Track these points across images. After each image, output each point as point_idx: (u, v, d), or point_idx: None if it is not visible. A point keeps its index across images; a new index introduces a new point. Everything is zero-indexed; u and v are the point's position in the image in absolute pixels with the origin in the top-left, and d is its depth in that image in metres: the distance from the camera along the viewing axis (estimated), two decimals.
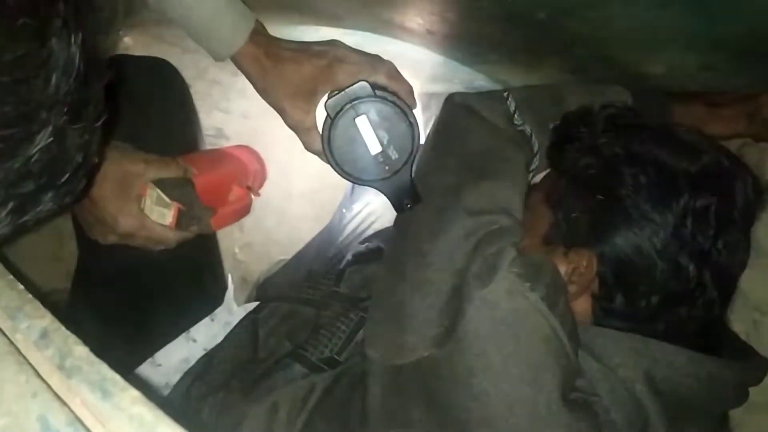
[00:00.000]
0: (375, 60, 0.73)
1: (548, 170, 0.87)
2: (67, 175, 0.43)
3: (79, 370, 0.31)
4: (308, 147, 0.76)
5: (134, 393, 0.30)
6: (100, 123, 0.47)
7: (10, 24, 0.36)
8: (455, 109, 0.89)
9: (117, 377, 0.31)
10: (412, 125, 0.70)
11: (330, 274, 1.01)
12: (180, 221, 0.82)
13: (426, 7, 0.85)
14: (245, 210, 0.94)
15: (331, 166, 0.71)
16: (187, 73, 1.46)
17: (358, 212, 1.32)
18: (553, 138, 0.83)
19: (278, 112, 0.74)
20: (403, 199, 0.74)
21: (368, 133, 0.69)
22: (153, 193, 0.80)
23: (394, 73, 0.73)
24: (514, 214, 0.75)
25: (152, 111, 0.94)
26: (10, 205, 0.40)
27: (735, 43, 0.71)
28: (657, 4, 0.64)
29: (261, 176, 1.00)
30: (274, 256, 1.63)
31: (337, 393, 0.80)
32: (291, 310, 0.97)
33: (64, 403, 0.30)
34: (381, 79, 0.72)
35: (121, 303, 0.94)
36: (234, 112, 1.56)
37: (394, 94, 0.71)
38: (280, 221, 1.66)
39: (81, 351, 0.32)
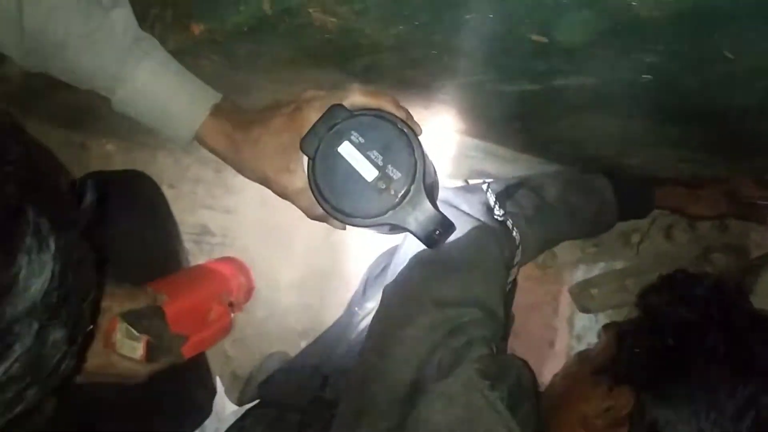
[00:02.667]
0: (345, 86, 0.62)
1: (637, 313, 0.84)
2: (53, 367, 0.41)
3: None
4: (310, 214, 0.64)
5: None
6: (87, 301, 0.44)
7: None
8: None
9: None
10: (406, 134, 0.58)
11: (315, 378, 0.99)
12: (151, 353, 0.79)
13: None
14: (226, 329, 0.90)
15: (333, 216, 0.59)
16: (170, 174, 1.47)
17: (371, 311, 1.30)
18: (658, 283, 0.82)
19: (264, 184, 0.64)
20: (429, 226, 0.59)
21: (357, 159, 0.58)
22: (122, 327, 0.77)
23: (368, 90, 0.60)
24: (489, 307, 0.74)
25: (127, 233, 0.93)
26: None
27: (709, 143, 0.72)
28: (625, 115, 0.65)
29: (246, 289, 0.97)
30: (265, 350, 1.60)
31: None
32: (277, 416, 0.94)
33: None
34: (356, 99, 0.59)
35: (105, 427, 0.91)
36: (218, 209, 1.56)
37: (375, 109, 0.59)
38: (270, 314, 1.63)
39: None
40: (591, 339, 1.19)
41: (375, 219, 0.59)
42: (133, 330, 0.78)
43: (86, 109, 1.16)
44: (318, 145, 0.58)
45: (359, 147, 0.58)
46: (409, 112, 0.60)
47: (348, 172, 0.58)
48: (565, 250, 1.17)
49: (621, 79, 0.55)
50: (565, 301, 1.22)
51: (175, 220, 1.05)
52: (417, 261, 0.79)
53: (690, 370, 0.68)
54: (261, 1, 0.50)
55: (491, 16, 0.45)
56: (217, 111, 0.63)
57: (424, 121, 0.76)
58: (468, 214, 0.85)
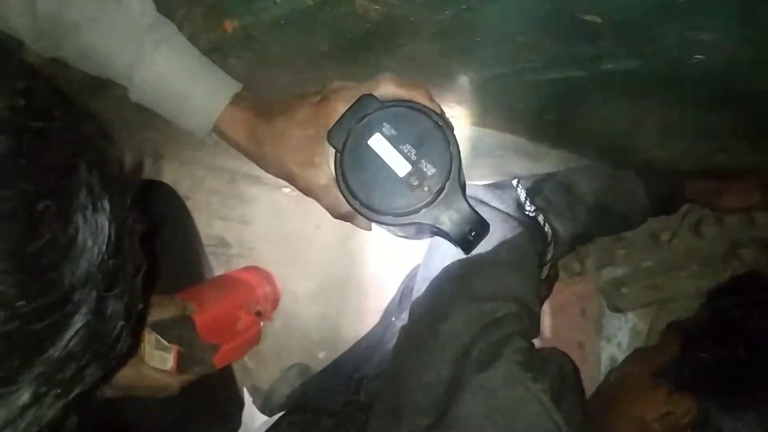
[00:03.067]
0: (376, 77, 0.58)
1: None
2: (111, 343, 0.40)
3: None
4: (334, 212, 0.60)
5: None
6: (139, 276, 0.43)
7: (31, 211, 0.34)
8: None
9: None
10: (441, 127, 0.54)
11: (350, 383, 0.97)
12: (182, 364, 0.77)
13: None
14: (255, 338, 0.89)
15: (361, 214, 0.56)
16: (185, 184, 1.46)
17: None
18: (731, 284, 0.79)
19: (287, 180, 0.61)
20: (464, 226, 0.56)
21: (389, 152, 0.54)
22: (151, 338, 0.76)
23: (400, 80, 0.57)
24: (524, 302, 0.72)
25: (153, 242, 0.92)
26: (53, 392, 0.36)
27: (750, 131, 0.70)
28: (667, 102, 0.64)
29: (273, 298, 0.95)
30: (284, 362, 1.58)
31: None
32: (311, 421, 0.92)
33: None
34: (388, 89, 0.56)
35: None
36: (233, 219, 1.54)
37: (408, 100, 0.56)
38: (288, 325, 1.61)
39: None
40: (621, 339, 1.17)
41: (407, 217, 0.55)
42: (163, 340, 0.76)
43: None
44: (347, 138, 0.55)
45: (391, 140, 0.54)
46: (441, 107, 0.57)
47: (378, 167, 0.54)
48: (593, 253, 1.15)
49: (671, 60, 0.53)
50: (593, 302, 1.20)
51: (197, 230, 1.03)
52: (446, 274, 0.77)
53: (762, 382, 0.65)
54: None
55: None
56: (238, 101, 0.61)
57: (456, 117, 0.75)
58: (499, 210, 0.84)
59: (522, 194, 0.86)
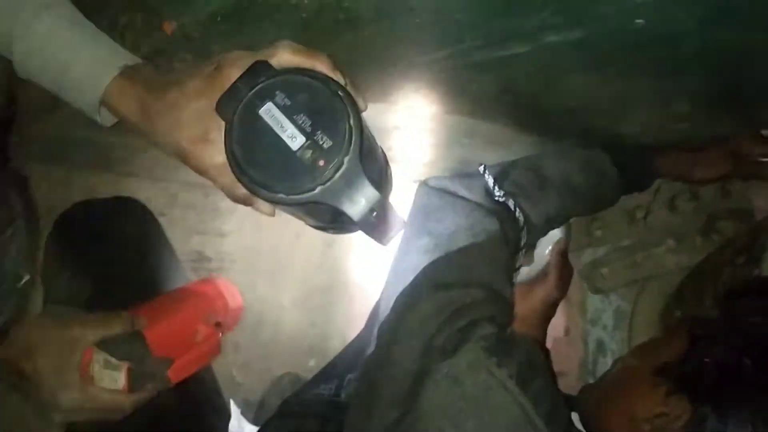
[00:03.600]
0: (273, 43, 0.53)
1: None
2: None
3: None
4: (231, 195, 0.55)
5: None
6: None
7: None
8: (429, 193, 0.87)
9: None
10: (341, 97, 0.49)
11: (331, 383, 0.96)
12: (134, 382, 0.75)
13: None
14: (215, 349, 0.86)
15: (252, 192, 0.51)
16: (160, 202, 1.45)
17: None
18: (749, 285, 0.77)
19: (181, 159, 0.55)
20: (365, 207, 0.51)
21: (282, 123, 0.49)
22: (99, 357, 0.73)
23: (299, 47, 0.52)
24: (493, 288, 0.71)
25: (121, 257, 0.90)
26: None
27: (707, 96, 0.70)
28: (618, 72, 0.63)
29: (233, 309, 0.93)
30: (274, 372, 1.57)
31: None
32: (297, 425, 0.91)
33: None
34: (285, 57, 0.51)
35: None
36: (211, 233, 1.53)
37: (307, 69, 0.51)
38: (275, 335, 1.60)
39: None
40: (606, 321, 1.16)
41: (301, 196, 0.49)
42: (111, 359, 0.73)
43: (67, 142, 1.14)
44: (237, 108, 0.50)
45: (285, 110, 0.49)
46: (349, 80, 0.53)
47: (270, 140, 0.49)
48: (570, 236, 1.14)
49: (613, 27, 0.52)
50: (576, 286, 1.19)
51: (168, 245, 1.02)
52: (412, 265, 0.76)
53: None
54: None
55: None
56: (129, 72, 0.55)
57: (415, 108, 0.74)
58: (466, 199, 0.83)
59: (490, 180, 0.86)
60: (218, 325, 0.87)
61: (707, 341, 0.69)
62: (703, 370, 0.67)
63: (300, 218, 0.59)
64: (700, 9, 0.49)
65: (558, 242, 0.98)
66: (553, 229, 0.96)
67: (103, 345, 0.73)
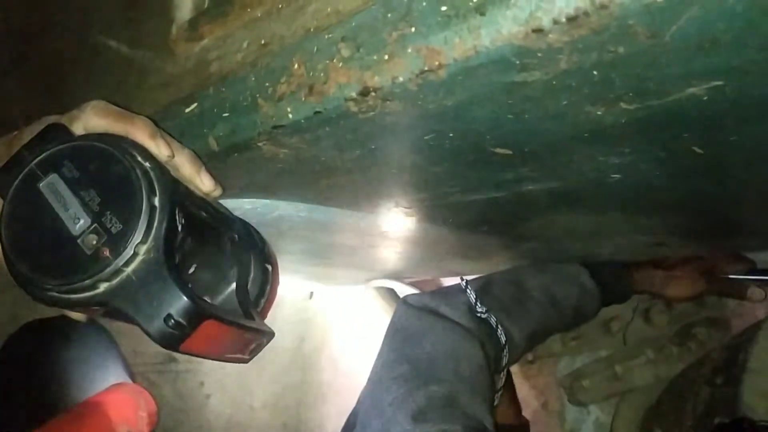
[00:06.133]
0: (82, 104, 0.44)
1: None
2: None
3: None
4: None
5: None
6: None
7: None
8: (409, 312, 0.85)
9: None
10: (144, 168, 0.41)
11: None
12: None
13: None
14: None
15: (26, 291, 0.41)
16: None
17: None
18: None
19: None
20: (160, 311, 0.39)
21: (66, 200, 0.39)
22: None
23: (111, 109, 0.44)
24: (475, 419, 0.69)
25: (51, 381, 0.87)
26: None
27: (681, 228, 0.70)
28: (595, 211, 0.64)
29: (147, 413, 0.88)
30: None
31: None
32: None
33: None
34: (92, 121, 0.43)
35: None
36: None
37: (115, 135, 0.43)
38: None
39: None
40: None
41: (79, 296, 0.39)
42: None
43: None
44: (12, 182, 0.41)
45: (71, 184, 0.40)
46: (185, 154, 0.45)
47: (49, 222, 0.39)
48: (545, 344, 1.13)
49: (588, 180, 0.53)
50: (554, 395, 1.17)
51: (119, 363, 0.98)
52: (389, 393, 0.73)
53: None
54: (207, 140, 0.47)
55: (451, 135, 0.43)
56: None
57: (399, 226, 0.73)
58: (447, 319, 0.81)
59: (472, 296, 0.85)
60: None
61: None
62: None
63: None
64: (673, 166, 0.50)
65: None
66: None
67: None
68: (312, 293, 1.60)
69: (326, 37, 0.40)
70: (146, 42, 0.56)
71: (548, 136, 0.43)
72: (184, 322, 0.39)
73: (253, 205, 0.64)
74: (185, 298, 0.39)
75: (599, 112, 0.38)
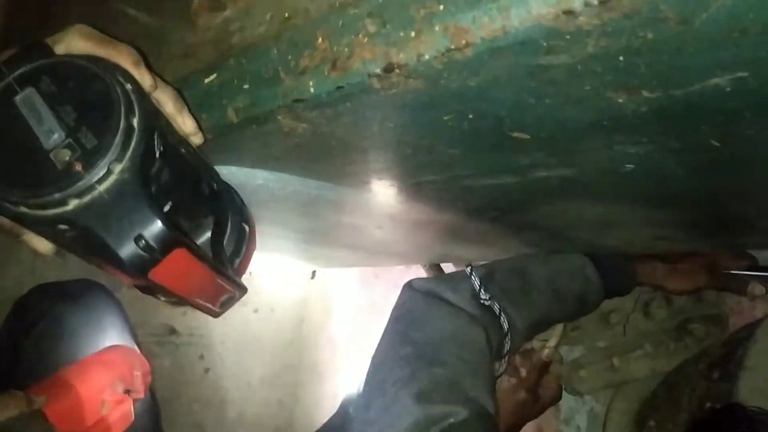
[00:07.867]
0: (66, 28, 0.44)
1: None
2: None
3: None
4: None
5: None
6: None
7: None
8: (414, 296, 0.86)
9: None
10: (125, 89, 0.40)
11: None
12: None
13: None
14: (126, 418, 0.83)
15: None
16: None
17: None
18: (715, 416, 0.78)
19: None
20: (131, 231, 0.38)
21: (41, 114, 0.39)
22: None
23: (94, 33, 0.44)
24: (477, 404, 0.70)
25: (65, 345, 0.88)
26: None
27: (690, 222, 0.70)
28: (604, 201, 0.64)
29: (141, 373, 0.89)
30: None
31: None
32: None
33: None
34: (74, 43, 0.42)
35: None
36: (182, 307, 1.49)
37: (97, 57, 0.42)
38: (241, 413, 1.55)
39: None
40: (580, 422, 1.14)
41: (47, 212, 0.38)
42: None
43: None
44: None
45: (48, 99, 0.39)
46: (169, 91, 0.45)
47: (21, 135, 0.38)
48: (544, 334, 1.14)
49: (602, 169, 0.53)
50: None
51: (125, 329, 0.99)
52: (392, 374, 0.74)
53: None
54: (225, 111, 0.47)
55: (471, 116, 0.43)
56: None
57: (408, 209, 0.73)
58: (451, 304, 0.82)
59: (476, 282, 0.85)
60: (128, 392, 0.84)
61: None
62: None
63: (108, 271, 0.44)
64: (688, 159, 0.50)
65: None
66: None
67: (1, 428, 0.68)
68: (314, 272, 1.61)
69: (352, 12, 0.40)
70: (166, 11, 0.56)
71: (567, 122, 0.43)
72: (155, 246, 0.39)
73: (266, 180, 0.64)
74: (158, 220, 0.39)
75: (620, 100, 0.38)
